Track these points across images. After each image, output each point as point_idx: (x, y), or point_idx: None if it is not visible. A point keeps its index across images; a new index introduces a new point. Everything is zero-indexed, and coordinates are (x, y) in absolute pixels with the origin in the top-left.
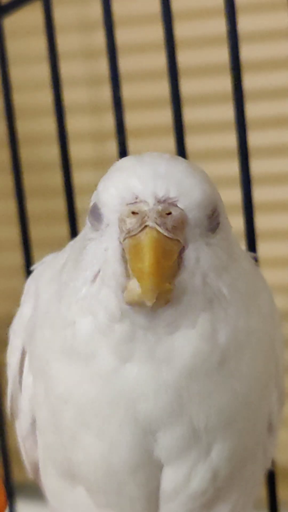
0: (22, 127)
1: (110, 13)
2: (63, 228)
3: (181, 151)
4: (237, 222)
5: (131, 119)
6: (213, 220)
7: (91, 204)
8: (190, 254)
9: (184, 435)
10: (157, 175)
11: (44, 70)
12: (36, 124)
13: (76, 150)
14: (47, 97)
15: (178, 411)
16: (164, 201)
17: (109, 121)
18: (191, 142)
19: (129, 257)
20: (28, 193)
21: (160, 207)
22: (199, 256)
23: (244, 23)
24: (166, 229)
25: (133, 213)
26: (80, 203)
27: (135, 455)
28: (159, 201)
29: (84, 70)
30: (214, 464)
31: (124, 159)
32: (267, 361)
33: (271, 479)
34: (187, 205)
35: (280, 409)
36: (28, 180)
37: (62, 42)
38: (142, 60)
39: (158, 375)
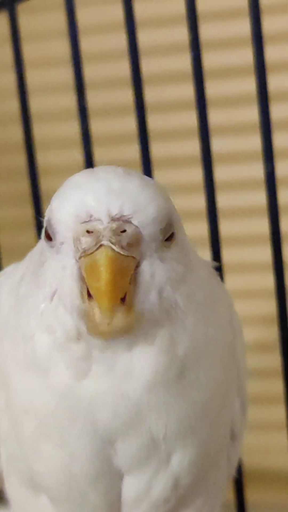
0: None
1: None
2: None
3: (146, 158)
4: (201, 228)
5: (96, 127)
6: (167, 233)
7: (46, 219)
8: (145, 269)
9: (143, 445)
10: (111, 192)
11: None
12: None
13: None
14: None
15: (136, 422)
16: (119, 218)
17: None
18: (155, 149)
19: (85, 276)
20: None
21: (114, 225)
22: (154, 270)
23: (206, 31)
24: (121, 247)
25: (88, 231)
26: None
27: (95, 465)
28: (113, 219)
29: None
30: (175, 472)
31: (77, 175)
32: (227, 370)
33: (238, 482)
34: (141, 221)
35: (243, 416)
36: None
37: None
38: (106, 68)
39: (116, 389)
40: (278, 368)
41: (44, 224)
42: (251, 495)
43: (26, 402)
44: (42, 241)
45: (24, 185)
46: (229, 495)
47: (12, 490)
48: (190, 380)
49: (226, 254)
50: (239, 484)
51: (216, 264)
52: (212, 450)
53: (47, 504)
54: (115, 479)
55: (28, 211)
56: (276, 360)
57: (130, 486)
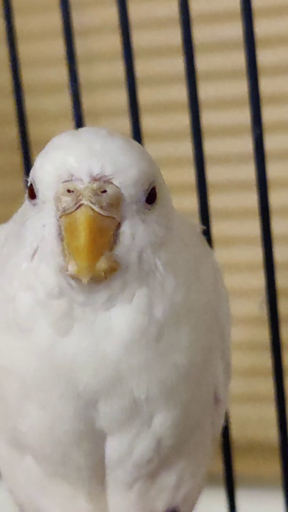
0: None
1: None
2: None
3: (136, 131)
4: (191, 202)
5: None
6: (150, 196)
7: (29, 178)
8: (125, 230)
9: (125, 406)
10: (92, 152)
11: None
12: None
13: None
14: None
15: (117, 383)
16: (99, 179)
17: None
18: (145, 122)
19: (65, 235)
20: None
21: (95, 185)
22: (135, 232)
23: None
24: (101, 207)
25: (69, 191)
26: None
27: (78, 426)
28: (94, 179)
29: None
30: (157, 433)
31: (60, 135)
32: (210, 333)
33: (227, 453)
34: (122, 182)
35: (227, 380)
36: None
37: None
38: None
39: (96, 348)
40: (267, 341)
41: (28, 183)
42: (240, 467)
43: (8, 363)
44: (26, 201)
45: (13, 133)
46: (218, 467)
47: None
48: (171, 342)
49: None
50: (227, 456)
51: (203, 227)
52: (195, 412)
53: (32, 464)
54: (98, 439)
55: (16, 158)
56: (264, 333)
57: (113, 447)
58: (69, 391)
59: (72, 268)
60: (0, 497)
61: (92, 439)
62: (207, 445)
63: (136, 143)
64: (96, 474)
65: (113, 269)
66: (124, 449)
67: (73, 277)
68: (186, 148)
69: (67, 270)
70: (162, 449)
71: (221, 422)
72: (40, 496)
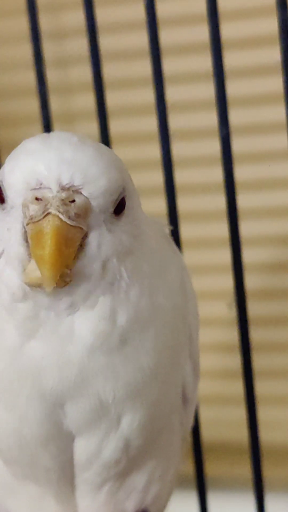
0: None
1: None
2: None
3: (104, 135)
4: (160, 204)
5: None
6: (118, 205)
7: None
8: (92, 240)
9: (91, 408)
10: (62, 161)
11: None
12: None
13: None
14: None
15: (82, 386)
16: (69, 188)
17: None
18: (114, 125)
19: (30, 242)
20: None
21: (63, 195)
22: (101, 242)
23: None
24: (69, 217)
25: (37, 199)
26: None
27: (45, 427)
28: (63, 188)
29: None
30: (125, 434)
31: (31, 140)
32: (177, 334)
33: (198, 455)
34: (91, 192)
35: (195, 380)
36: None
37: None
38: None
39: (61, 352)
40: (236, 343)
41: None
42: (211, 469)
43: None
44: None
45: None
46: (189, 468)
47: None
48: (135, 345)
49: (183, 230)
50: (198, 458)
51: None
52: (163, 412)
53: (1, 465)
54: (66, 441)
55: None
56: (234, 335)
57: (81, 448)
58: (35, 393)
59: (33, 272)
60: None
61: (60, 441)
62: (176, 445)
63: (107, 150)
64: (64, 476)
65: (75, 279)
66: (93, 450)
67: (32, 284)
68: (155, 150)
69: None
70: (130, 450)
71: (190, 422)
72: (8, 497)
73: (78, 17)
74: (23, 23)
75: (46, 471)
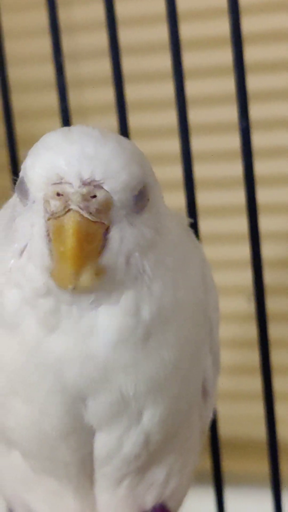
0: None
1: None
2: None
3: (124, 129)
4: (178, 199)
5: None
6: (140, 200)
7: (20, 176)
8: (114, 235)
9: (113, 402)
10: (83, 156)
11: None
12: None
13: None
14: None
15: (105, 380)
16: (89, 183)
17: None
18: (133, 119)
19: (52, 238)
20: None
21: (84, 190)
22: (123, 236)
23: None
24: (90, 212)
25: (58, 194)
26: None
27: (66, 422)
28: (84, 183)
29: None
30: (146, 428)
31: (52, 134)
32: (198, 328)
33: (215, 451)
34: (113, 187)
35: (215, 374)
36: None
37: None
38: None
39: (83, 346)
40: (255, 339)
41: (18, 180)
42: (228, 465)
43: None
44: (15, 195)
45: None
46: (206, 464)
47: None
48: (158, 340)
49: (202, 224)
50: (216, 454)
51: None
52: (183, 407)
53: (20, 459)
54: (87, 435)
55: (2, 155)
56: (252, 330)
57: (102, 442)
58: (56, 387)
59: (55, 274)
60: None
61: (80, 435)
62: (195, 439)
63: (129, 143)
64: (84, 470)
65: (99, 276)
66: (113, 444)
67: (57, 281)
68: (174, 145)
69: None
70: (151, 444)
71: (209, 416)
72: (27, 491)
73: (97, 10)
74: (42, 17)
75: (65, 465)
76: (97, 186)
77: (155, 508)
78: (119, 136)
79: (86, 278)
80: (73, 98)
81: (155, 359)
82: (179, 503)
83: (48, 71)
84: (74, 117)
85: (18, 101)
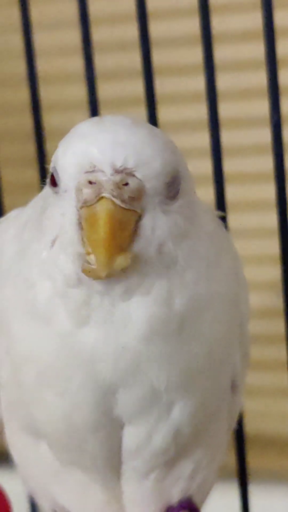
0: None
1: None
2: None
3: (153, 122)
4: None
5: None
6: (172, 187)
7: (51, 165)
8: (146, 223)
9: (144, 395)
10: (116, 143)
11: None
12: None
13: None
14: None
15: (136, 373)
16: (122, 171)
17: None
18: (162, 113)
19: (84, 227)
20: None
21: (117, 178)
22: (156, 224)
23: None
24: (123, 200)
25: (90, 182)
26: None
27: (96, 414)
28: (116, 171)
29: None
30: (176, 422)
31: (84, 123)
32: (230, 322)
33: (240, 447)
34: (145, 175)
35: (244, 368)
36: None
37: None
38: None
39: (115, 338)
40: (282, 335)
41: (50, 170)
42: (253, 461)
43: (27, 350)
44: (47, 186)
45: (27, 123)
46: (231, 460)
47: (12, 437)
48: (191, 333)
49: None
50: (241, 450)
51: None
52: (213, 401)
53: (47, 451)
54: (116, 428)
55: (30, 148)
56: (281, 326)
57: (131, 436)
58: (88, 379)
59: (90, 262)
60: (13, 485)
61: (110, 428)
62: (223, 434)
63: (160, 132)
64: (111, 463)
65: (132, 264)
66: (142, 438)
67: (89, 275)
68: (204, 138)
69: (86, 262)
70: (180, 438)
71: (237, 410)
72: (54, 484)
73: (126, 2)
74: (71, 9)
75: (93, 458)
76: (130, 173)
77: (181, 502)
78: (150, 125)
79: (119, 265)
80: (101, 91)
81: (188, 352)
82: (205, 497)
83: (77, 63)
84: (102, 110)
85: (45, 93)
